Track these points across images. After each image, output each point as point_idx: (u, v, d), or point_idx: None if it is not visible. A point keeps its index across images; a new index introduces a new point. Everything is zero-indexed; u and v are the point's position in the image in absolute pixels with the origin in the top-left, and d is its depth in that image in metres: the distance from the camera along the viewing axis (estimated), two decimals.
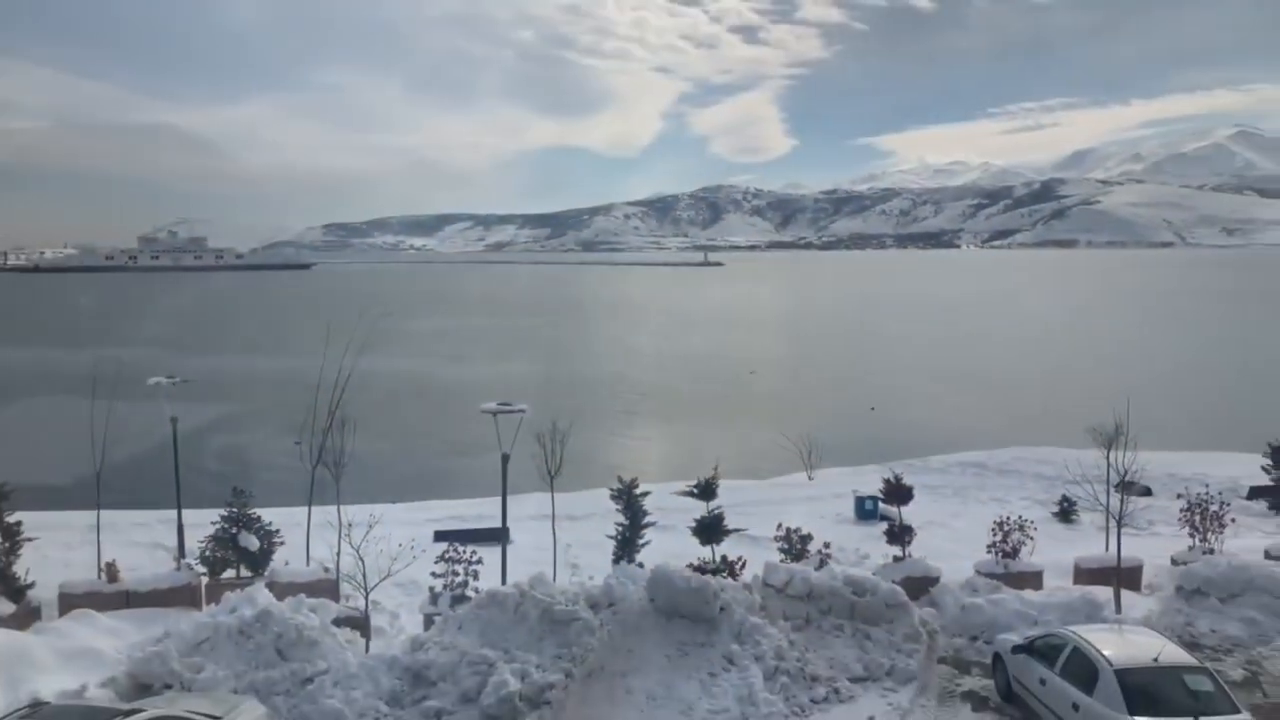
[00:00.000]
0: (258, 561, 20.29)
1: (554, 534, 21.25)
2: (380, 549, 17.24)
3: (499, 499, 20.89)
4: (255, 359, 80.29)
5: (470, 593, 18.02)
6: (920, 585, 19.54)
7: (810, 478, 38.24)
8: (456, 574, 18.63)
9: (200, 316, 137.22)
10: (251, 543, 20.14)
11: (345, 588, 18.47)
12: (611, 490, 21.17)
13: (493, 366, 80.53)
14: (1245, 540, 24.65)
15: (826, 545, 20.68)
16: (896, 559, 20.82)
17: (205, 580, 20.17)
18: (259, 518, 20.68)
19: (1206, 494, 23.27)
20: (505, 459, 19.49)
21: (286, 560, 20.79)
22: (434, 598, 18.56)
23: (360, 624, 17.36)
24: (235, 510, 20.38)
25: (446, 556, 18.77)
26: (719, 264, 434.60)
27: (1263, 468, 28.19)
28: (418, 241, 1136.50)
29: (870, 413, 58.25)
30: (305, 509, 20.78)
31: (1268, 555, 21.65)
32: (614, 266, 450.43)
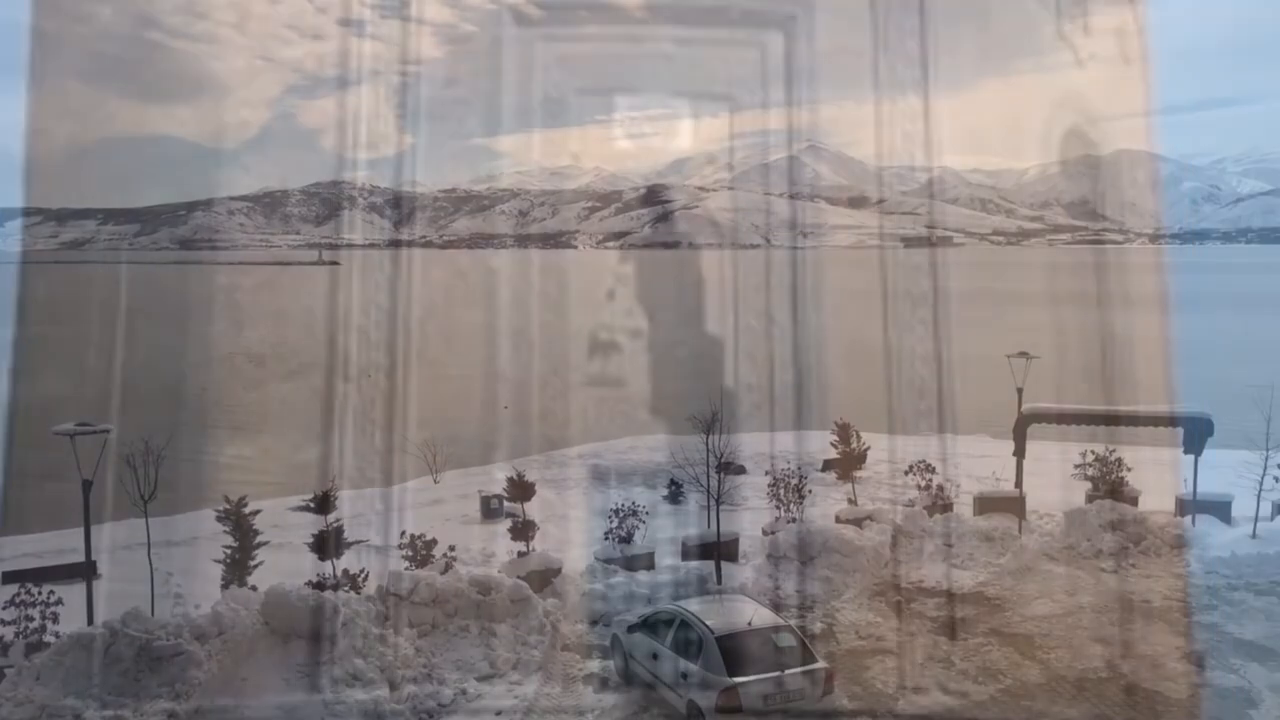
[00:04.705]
0: None
1: (150, 563, 19.33)
2: None
3: (81, 530, 18.60)
4: None
5: (50, 638, 15.99)
6: (544, 578, 20.09)
7: (436, 481, 37.98)
8: (31, 619, 16.50)
9: None
10: None
11: None
12: (217, 511, 19.73)
13: (67, 381, 71.48)
14: (820, 508, 27.94)
15: (452, 548, 20.75)
16: (521, 554, 21.29)
17: None
18: None
19: (789, 469, 26.19)
20: (87, 485, 17.39)
21: None
22: (3, 648, 16.23)
23: None
24: None
25: (18, 600, 16.58)
26: (335, 263, 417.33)
27: (831, 443, 32.14)
28: None
29: (503, 411, 58.84)
30: None
31: (838, 519, 24.73)
32: (217, 266, 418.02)
